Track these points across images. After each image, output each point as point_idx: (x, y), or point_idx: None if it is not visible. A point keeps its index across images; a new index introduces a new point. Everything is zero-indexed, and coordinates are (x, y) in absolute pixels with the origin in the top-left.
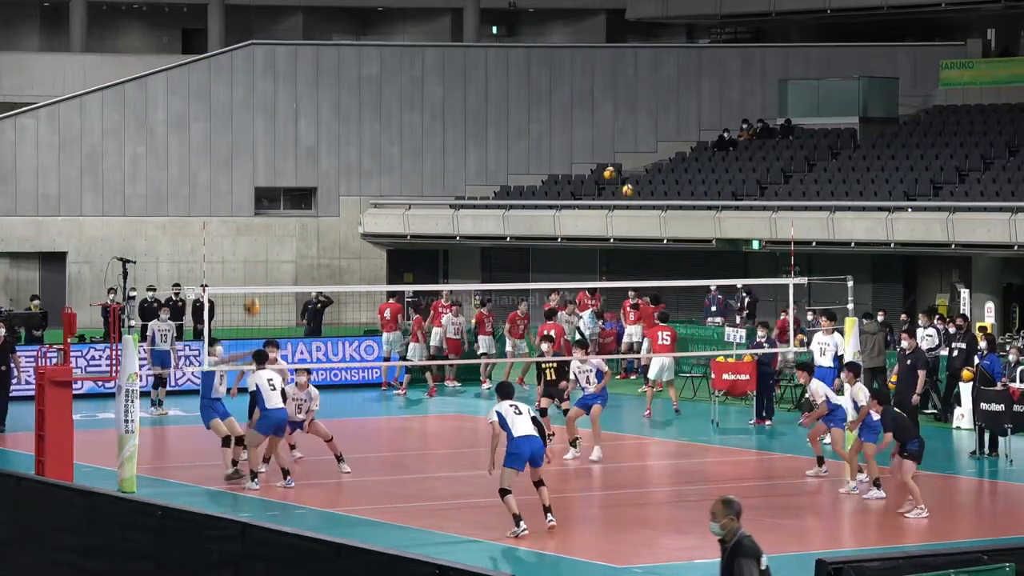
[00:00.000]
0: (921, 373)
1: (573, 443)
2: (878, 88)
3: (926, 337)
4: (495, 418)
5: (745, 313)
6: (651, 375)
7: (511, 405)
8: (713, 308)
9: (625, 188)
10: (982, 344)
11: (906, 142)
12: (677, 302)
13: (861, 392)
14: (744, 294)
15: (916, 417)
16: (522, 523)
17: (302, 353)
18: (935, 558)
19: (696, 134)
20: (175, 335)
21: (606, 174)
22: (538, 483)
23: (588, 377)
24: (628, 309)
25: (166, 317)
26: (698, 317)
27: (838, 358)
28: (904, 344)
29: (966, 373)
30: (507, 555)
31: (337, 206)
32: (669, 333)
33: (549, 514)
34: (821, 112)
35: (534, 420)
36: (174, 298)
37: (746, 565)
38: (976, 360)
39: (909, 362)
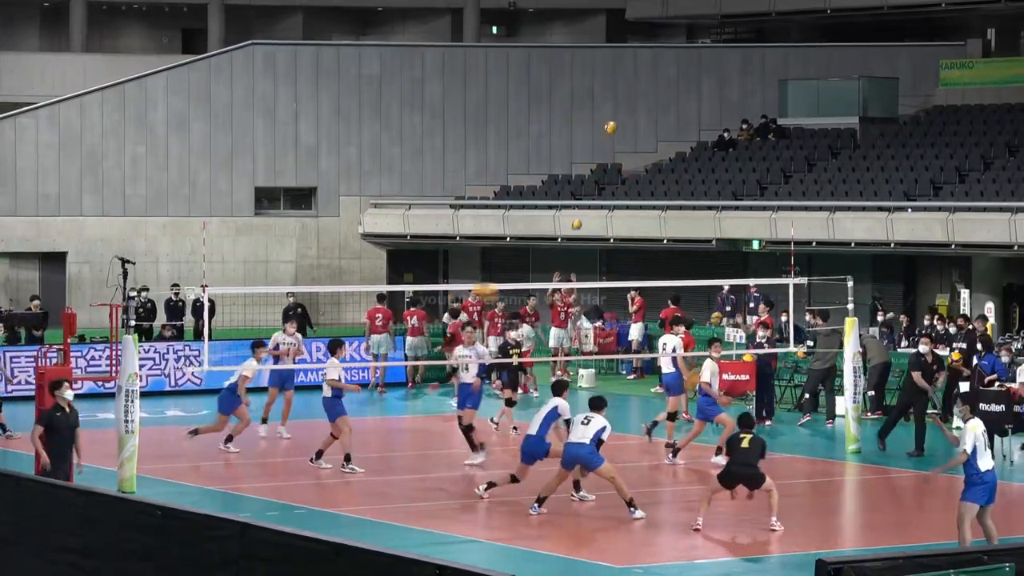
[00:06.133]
0: (941, 374)
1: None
2: (878, 88)
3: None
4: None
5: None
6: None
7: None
8: (728, 308)
9: (575, 222)
10: (978, 345)
11: (906, 142)
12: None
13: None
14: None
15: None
16: None
17: (302, 353)
18: (935, 558)
19: (696, 134)
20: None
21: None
22: None
23: None
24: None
25: (293, 330)
26: (700, 317)
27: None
28: (923, 348)
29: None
30: (507, 555)
31: (337, 206)
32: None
33: None
34: (821, 112)
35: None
36: (173, 299)
37: None
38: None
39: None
